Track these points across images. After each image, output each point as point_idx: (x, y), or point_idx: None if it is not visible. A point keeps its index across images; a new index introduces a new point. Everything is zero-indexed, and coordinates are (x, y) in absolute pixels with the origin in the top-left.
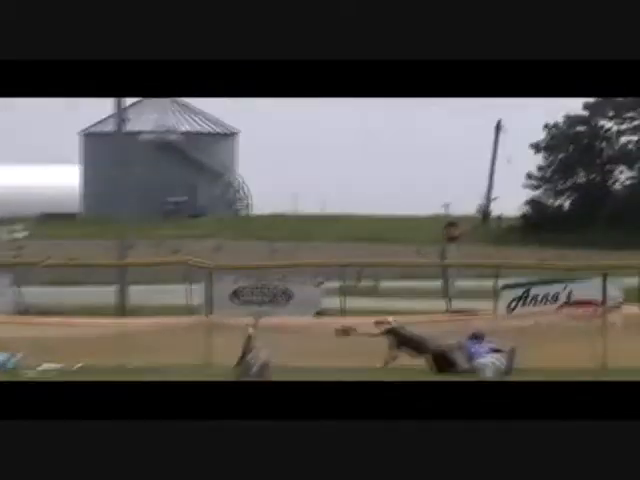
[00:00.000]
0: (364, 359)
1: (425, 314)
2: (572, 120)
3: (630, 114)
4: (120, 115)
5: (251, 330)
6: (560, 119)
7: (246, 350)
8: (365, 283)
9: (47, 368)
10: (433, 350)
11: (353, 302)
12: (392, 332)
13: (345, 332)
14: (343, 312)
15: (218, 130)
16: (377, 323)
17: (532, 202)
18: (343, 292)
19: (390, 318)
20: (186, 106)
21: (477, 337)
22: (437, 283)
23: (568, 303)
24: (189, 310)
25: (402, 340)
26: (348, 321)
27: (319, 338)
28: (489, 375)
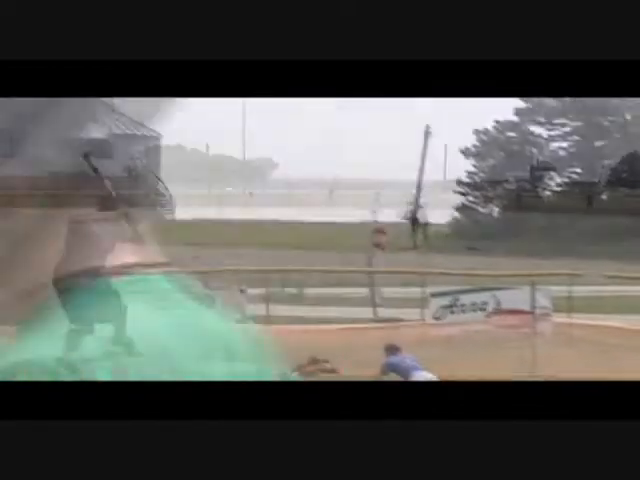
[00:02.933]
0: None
1: (351, 322)
2: (502, 126)
3: (561, 120)
4: None
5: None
6: (490, 124)
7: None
8: (288, 290)
9: None
10: None
11: (278, 310)
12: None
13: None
14: (268, 320)
15: (140, 132)
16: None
17: (462, 209)
18: (267, 299)
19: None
20: (109, 107)
21: (394, 349)
22: (363, 290)
23: (496, 311)
24: None
25: None
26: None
27: None
28: None
